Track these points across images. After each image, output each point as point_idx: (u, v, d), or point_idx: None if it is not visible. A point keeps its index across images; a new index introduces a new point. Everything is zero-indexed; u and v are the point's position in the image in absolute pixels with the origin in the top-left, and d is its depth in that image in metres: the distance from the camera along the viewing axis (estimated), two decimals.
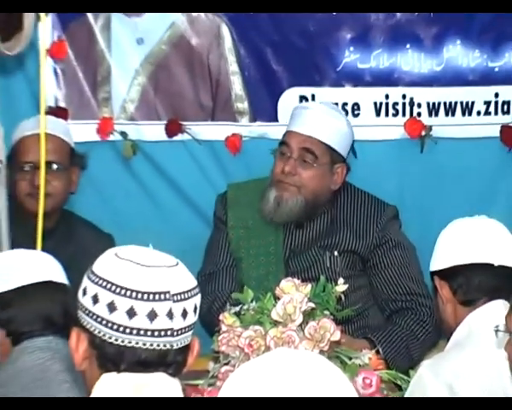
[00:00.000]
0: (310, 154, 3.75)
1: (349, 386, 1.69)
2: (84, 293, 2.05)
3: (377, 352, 3.26)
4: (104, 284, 2.03)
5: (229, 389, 1.68)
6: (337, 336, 3.09)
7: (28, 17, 3.22)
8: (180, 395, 2.07)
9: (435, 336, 3.39)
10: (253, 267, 3.80)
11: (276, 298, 3.12)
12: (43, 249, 3.02)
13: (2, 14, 3.14)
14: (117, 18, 4.17)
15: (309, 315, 3.12)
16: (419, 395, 2.81)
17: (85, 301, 2.04)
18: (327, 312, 3.14)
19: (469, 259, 2.88)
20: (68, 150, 3.85)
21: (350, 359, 3.12)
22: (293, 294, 3.13)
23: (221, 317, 3.14)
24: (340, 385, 1.67)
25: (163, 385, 2.05)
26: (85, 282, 2.05)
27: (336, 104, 4.13)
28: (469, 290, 2.86)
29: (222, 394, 1.69)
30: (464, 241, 2.92)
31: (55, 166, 3.76)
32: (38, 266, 2.84)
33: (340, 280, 3.20)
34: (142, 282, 2.03)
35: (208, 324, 2.98)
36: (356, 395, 1.68)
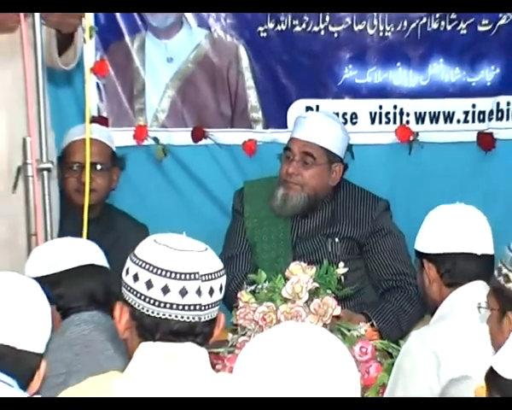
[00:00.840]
0: (309, 156, 3.76)
1: (347, 354, 1.71)
2: (127, 273, 2.06)
3: (372, 325, 3.25)
4: (143, 264, 2.04)
5: (246, 356, 1.71)
6: (338, 311, 3.10)
7: (78, 38, 3.24)
8: (207, 362, 2.07)
9: (421, 311, 3.39)
10: (265, 252, 3.80)
11: (286, 279, 3.12)
12: (88, 237, 3.02)
13: (59, 34, 3.15)
14: (150, 40, 4.16)
15: (314, 293, 3.11)
16: (408, 363, 2.81)
17: (128, 279, 2.05)
18: (329, 290, 3.13)
19: (456, 248, 2.86)
20: (110, 153, 3.85)
21: (349, 331, 3.11)
22: (300, 275, 3.14)
23: (239, 294, 3.14)
24: (339, 353, 1.70)
25: (192, 353, 2.05)
26: (128, 263, 2.07)
27: (337, 114, 4.14)
28: (455, 275, 2.85)
29: (239, 360, 1.71)
30: (451, 230, 2.90)
31: (98, 167, 3.77)
32: (83, 251, 2.85)
33: (341, 264, 3.21)
34: (176, 263, 2.03)
35: (227, 300, 2.99)
36: (353, 362, 1.71)
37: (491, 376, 2.00)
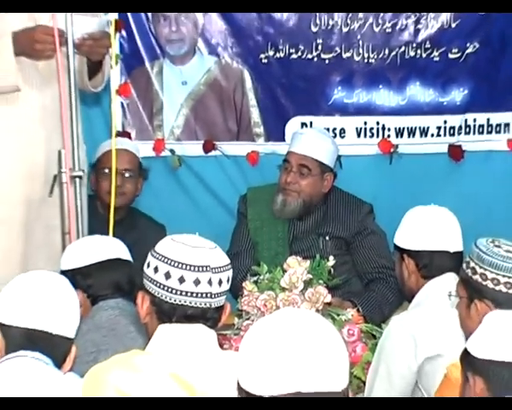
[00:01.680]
0: (305, 168, 3.77)
1: (337, 334, 1.70)
2: (148, 265, 2.08)
3: (358, 310, 3.25)
4: (163, 258, 2.06)
5: (250, 337, 1.71)
6: (328, 298, 3.11)
7: (106, 65, 3.24)
8: (216, 341, 2.08)
9: (400, 299, 3.38)
10: (266, 249, 3.80)
11: (284, 271, 3.14)
12: (114, 235, 3.02)
13: (89, 61, 3.14)
14: (167, 66, 4.16)
15: (308, 283, 3.12)
16: (389, 344, 2.81)
17: (149, 271, 2.07)
18: (321, 281, 3.13)
19: (433, 246, 2.88)
20: (138, 163, 3.86)
21: (338, 315, 3.12)
22: (296, 268, 3.14)
23: (243, 285, 3.14)
24: (330, 334, 1.68)
25: (203, 334, 2.06)
26: (149, 257, 2.08)
27: (328, 129, 4.14)
28: (431, 269, 2.86)
29: (244, 340, 1.70)
30: (429, 229, 2.90)
31: (128, 174, 3.78)
32: (110, 247, 2.86)
33: (331, 258, 3.21)
34: (190, 258, 2.05)
35: (233, 290, 2.99)
36: (342, 342, 1.69)
37: (465, 356, 2.01)
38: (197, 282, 2.04)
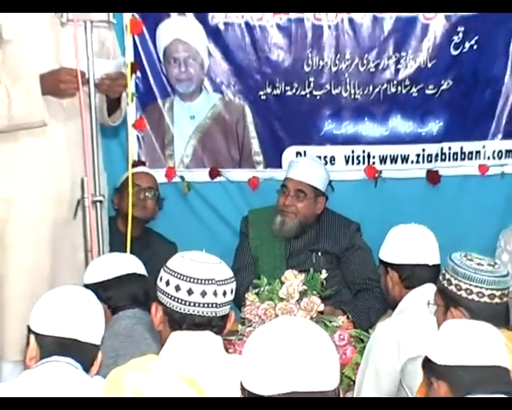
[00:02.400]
0: (301, 192, 3.78)
1: (328, 339, 1.70)
2: (161, 279, 2.09)
3: (348, 318, 3.23)
4: (173, 273, 2.07)
5: (252, 342, 1.70)
6: (321, 307, 3.10)
7: (123, 101, 3.25)
8: (221, 346, 2.09)
9: (385, 307, 3.37)
10: (265, 264, 3.79)
11: (282, 283, 3.14)
12: (131, 252, 3.03)
13: (109, 99, 3.16)
14: (177, 102, 4.16)
15: (303, 294, 3.11)
16: (375, 347, 2.82)
17: (161, 284, 2.08)
18: (315, 292, 3.13)
19: (414, 260, 2.89)
20: (157, 185, 3.94)
21: (330, 322, 3.11)
22: (292, 280, 3.14)
23: (246, 295, 3.13)
24: (322, 339, 1.68)
25: (210, 340, 2.07)
26: (162, 272, 2.10)
27: (319, 157, 4.14)
28: (412, 280, 2.87)
29: (247, 345, 1.70)
30: (410, 245, 2.92)
31: (151, 192, 3.86)
32: (127, 263, 2.86)
33: (323, 271, 3.20)
34: (197, 272, 2.06)
35: (237, 300, 2.98)
36: (333, 346, 1.69)
37: (427, 363, 2.02)
38: (204, 293, 2.05)
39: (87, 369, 2.19)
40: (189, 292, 2.05)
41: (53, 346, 2.15)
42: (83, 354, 2.17)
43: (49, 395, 2.07)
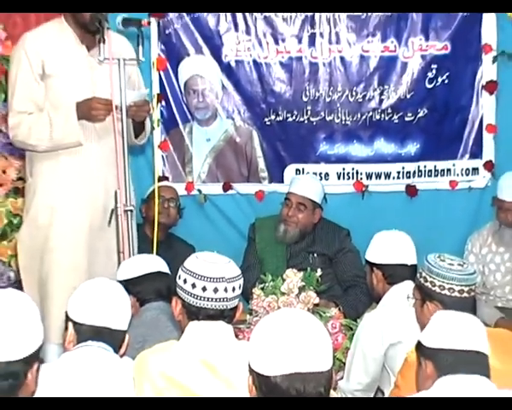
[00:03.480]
0: (302, 205, 3.77)
1: (323, 327, 1.70)
2: (179, 278, 2.08)
3: (339, 309, 3.22)
4: (189, 273, 2.06)
5: (258, 330, 1.70)
6: (317, 300, 3.11)
7: (147, 124, 3.24)
8: (232, 333, 2.08)
9: (371, 300, 3.35)
10: (269, 264, 3.76)
11: (283, 280, 3.14)
12: (156, 254, 3.04)
13: (135, 122, 3.15)
14: (195, 127, 4.14)
15: (301, 289, 3.12)
16: (362, 334, 2.81)
17: (180, 282, 2.07)
18: (311, 287, 3.13)
19: (396, 260, 2.89)
20: (178, 197, 3.93)
21: (324, 313, 3.11)
22: (292, 277, 3.14)
23: (253, 290, 3.13)
24: (317, 326, 1.68)
25: (222, 328, 2.06)
26: (180, 272, 2.09)
27: (315, 173, 4.13)
28: (394, 278, 2.87)
29: (253, 333, 1.70)
30: (392, 248, 2.92)
31: (173, 202, 3.86)
32: (153, 263, 2.87)
33: (318, 270, 3.21)
34: (210, 271, 2.05)
35: (245, 294, 2.99)
36: (327, 333, 1.69)
37: (418, 345, 2.01)
38: (216, 290, 2.04)
39: (116, 350, 2.19)
40: (204, 289, 2.04)
41: (89, 333, 2.16)
42: (113, 338, 2.19)
43: (86, 374, 2.07)
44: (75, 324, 2.18)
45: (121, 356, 2.23)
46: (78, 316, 2.18)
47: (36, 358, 1.71)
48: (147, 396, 1.99)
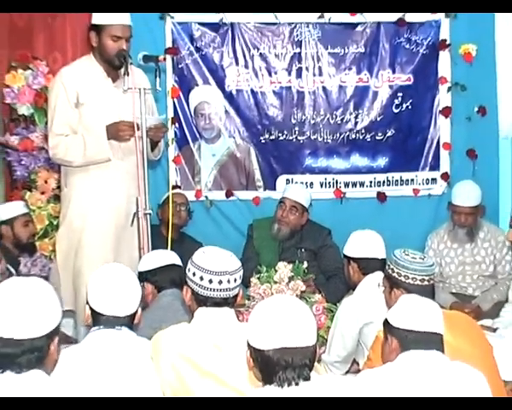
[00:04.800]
0: (294, 208, 3.77)
1: (308, 310, 1.70)
2: (189, 270, 2.06)
3: (322, 295, 3.21)
4: (198, 267, 2.04)
5: (255, 312, 1.70)
6: (303, 288, 3.11)
7: (162, 143, 3.24)
8: (234, 316, 2.05)
9: (348, 288, 3.33)
10: (264, 257, 3.73)
11: (276, 271, 3.14)
12: (170, 249, 3.02)
13: (152, 141, 3.13)
14: (203, 144, 4.12)
15: (291, 279, 3.12)
16: (341, 316, 2.80)
17: (189, 274, 2.06)
18: (299, 277, 3.14)
19: (369, 255, 2.88)
20: (188, 202, 3.91)
21: (309, 298, 3.10)
22: (283, 269, 3.14)
23: (251, 280, 3.13)
24: (303, 308, 1.69)
25: (226, 313, 2.05)
26: (189, 265, 2.07)
27: (302, 183, 4.13)
28: (367, 269, 2.85)
29: (251, 314, 1.70)
30: (365, 244, 2.90)
31: (184, 206, 3.84)
32: (168, 256, 2.85)
33: (305, 263, 3.22)
34: (216, 266, 2.03)
35: (245, 282, 2.99)
36: (312, 314, 1.69)
37: (386, 323, 2.01)
38: (220, 282, 2.03)
39: (131, 326, 2.11)
40: (210, 281, 2.02)
41: (106, 321, 2.05)
42: (130, 319, 2.10)
43: (111, 351, 1.99)
44: (93, 311, 2.08)
45: (136, 326, 2.14)
46: (93, 303, 2.08)
47: (56, 333, 1.67)
48: (164, 375, 1.95)
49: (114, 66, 3.02)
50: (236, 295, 2.08)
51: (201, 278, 2.03)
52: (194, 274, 2.04)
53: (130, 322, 2.09)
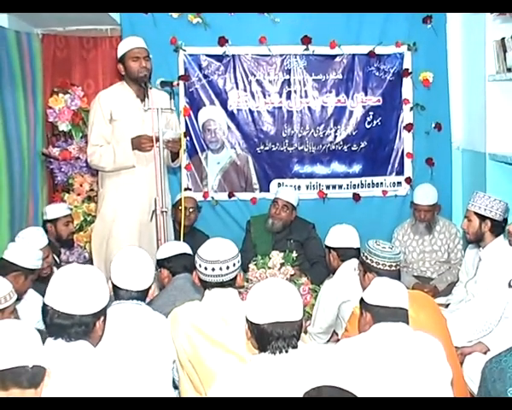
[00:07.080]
0: (285, 207, 3.74)
1: (296, 290, 1.70)
2: (196, 261, 2.05)
3: (308, 278, 3.22)
4: (199, 256, 2.05)
5: (252, 292, 1.69)
6: (292, 272, 3.12)
7: (181, 154, 3.22)
8: (236, 295, 2.03)
9: (329, 272, 3.32)
10: (260, 247, 3.69)
11: (270, 258, 3.15)
12: (183, 241, 2.95)
13: (172, 152, 3.12)
14: (210, 154, 4.10)
15: (282, 265, 3.13)
16: (323, 295, 2.79)
17: (197, 264, 2.06)
18: (289, 264, 3.15)
19: (345, 244, 2.86)
20: (196, 204, 3.88)
21: (297, 281, 3.13)
22: (276, 257, 3.15)
23: (249, 265, 3.14)
24: (292, 289, 1.68)
25: (230, 292, 2.04)
26: (196, 257, 2.06)
27: (291, 186, 4.10)
28: (345, 256, 2.84)
29: (249, 294, 1.68)
30: (343, 236, 2.88)
31: (192, 209, 3.80)
32: (181, 247, 2.80)
33: (294, 252, 3.23)
34: (210, 256, 2.02)
35: (244, 268, 2.99)
36: (299, 294, 1.68)
37: (361, 300, 2.00)
38: (213, 269, 2.02)
39: (145, 299, 2.08)
40: (213, 269, 2.02)
41: (127, 295, 2.04)
42: (143, 295, 2.08)
43: (128, 322, 1.94)
44: (115, 287, 2.05)
45: (150, 300, 2.10)
46: (119, 281, 2.06)
47: (102, 313, 1.67)
48: (180, 342, 1.94)
49: (140, 84, 3.02)
50: (232, 279, 2.05)
51: (206, 268, 2.03)
52: (196, 262, 2.06)
53: (143, 296, 2.06)
